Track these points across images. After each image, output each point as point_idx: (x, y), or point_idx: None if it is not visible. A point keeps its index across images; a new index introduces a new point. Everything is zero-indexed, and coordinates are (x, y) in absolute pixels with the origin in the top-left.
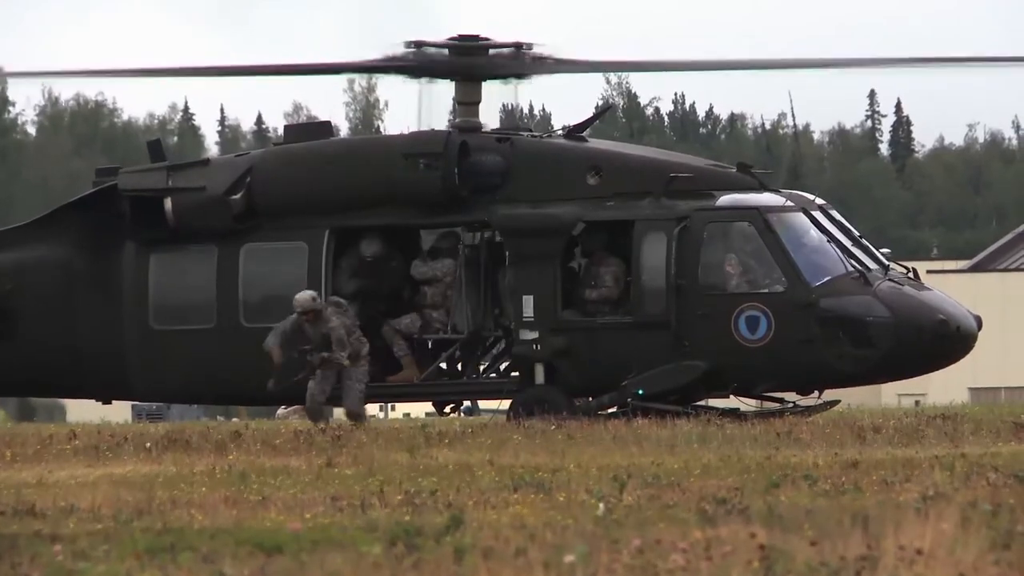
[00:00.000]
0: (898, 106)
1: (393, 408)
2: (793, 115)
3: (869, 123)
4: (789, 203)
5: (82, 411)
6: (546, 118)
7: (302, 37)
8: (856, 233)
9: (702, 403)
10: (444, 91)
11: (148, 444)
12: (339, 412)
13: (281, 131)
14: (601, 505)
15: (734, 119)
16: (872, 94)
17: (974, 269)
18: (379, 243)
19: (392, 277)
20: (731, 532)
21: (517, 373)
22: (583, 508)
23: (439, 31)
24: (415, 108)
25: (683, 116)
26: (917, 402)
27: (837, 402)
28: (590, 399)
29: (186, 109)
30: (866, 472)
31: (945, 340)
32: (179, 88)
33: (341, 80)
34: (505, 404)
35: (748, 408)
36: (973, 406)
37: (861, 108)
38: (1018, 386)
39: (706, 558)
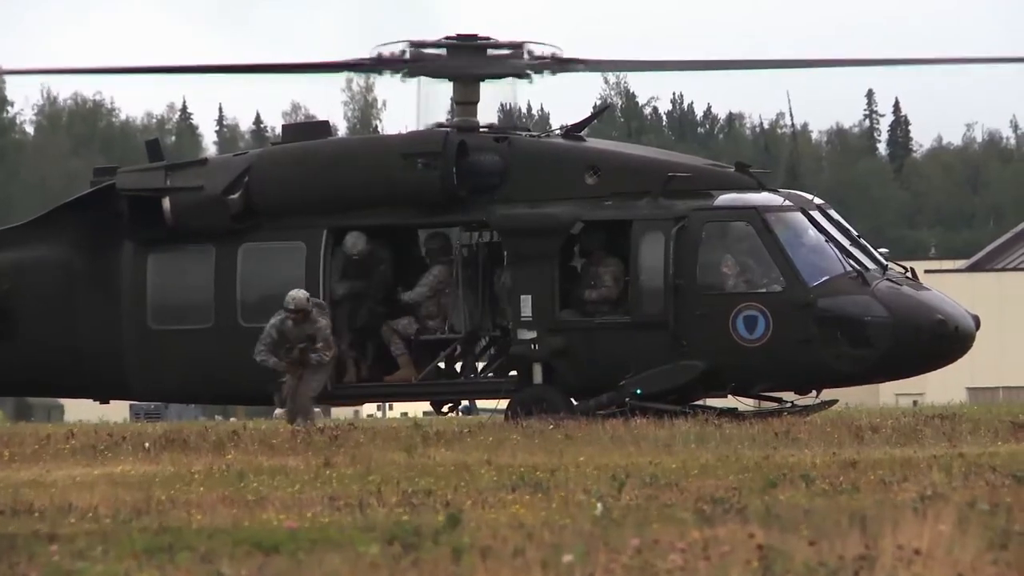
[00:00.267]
0: (896, 106)
1: (391, 408)
2: (791, 115)
3: (867, 123)
4: (787, 203)
5: (80, 411)
6: (544, 118)
7: (302, 37)
8: (854, 233)
9: (700, 403)
10: (442, 91)
11: (146, 444)
12: (336, 412)
13: (279, 131)
14: (599, 505)
15: (732, 119)
16: (870, 94)
17: (972, 269)
18: (367, 242)
19: (385, 278)
20: (729, 532)
21: (515, 373)
22: (581, 508)
23: (439, 31)
24: (413, 108)
25: (681, 116)
26: (915, 402)
27: (835, 402)
28: (589, 399)
29: (184, 109)
30: (864, 472)
31: (943, 340)
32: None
33: (339, 80)
34: (503, 403)
35: (746, 408)
36: (971, 406)
37: (859, 108)
38: (1016, 386)
39: (704, 558)
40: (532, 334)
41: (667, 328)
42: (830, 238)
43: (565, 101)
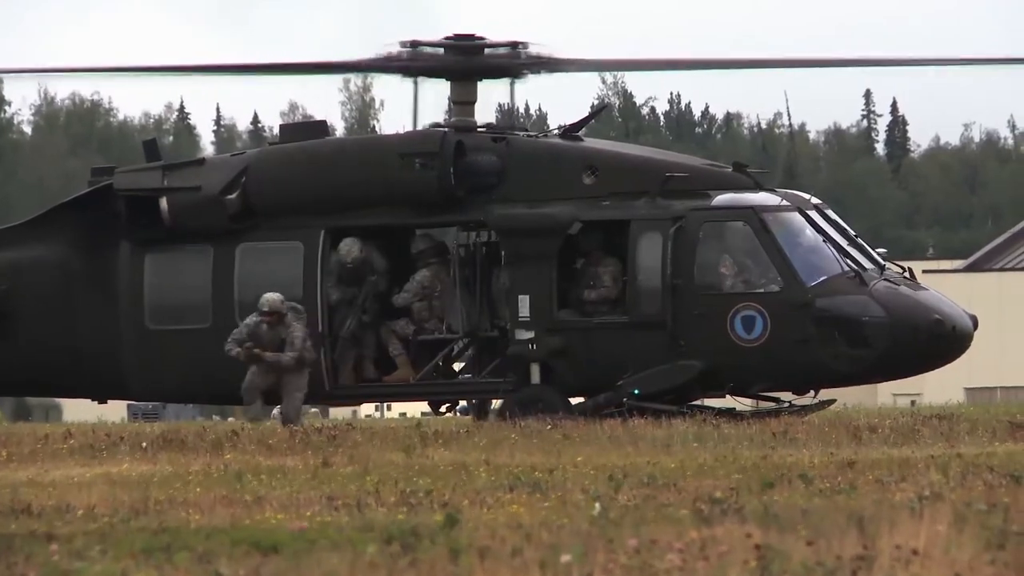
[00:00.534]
0: (894, 106)
1: (389, 408)
2: (789, 115)
3: (865, 123)
4: (785, 203)
5: (78, 410)
6: (542, 117)
7: (300, 37)
8: (852, 233)
9: (698, 403)
10: (440, 91)
11: (144, 444)
12: (334, 412)
13: (277, 130)
14: (597, 505)
15: (730, 119)
16: (868, 94)
17: (970, 269)
18: (361, 249)
19: (376, 289)
20: (727, 532)
21: (513, 373)
22: (579, 508)
23: (438, 31)
24: (411, 107)
25: (679, 116)
26: (913, 402)
27: (833, 402)
28: (589, 401)
29: (182, 108)
30: (862, 472)
31: (941, 340)
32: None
33: (337, 80)
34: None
35: (744, 408)
36: (969, 406)
37: (857, 108)
38: (1014, 386)
39: (702, 558)
40: (530, 334)
41: (665, 328)
42: (828, 238)
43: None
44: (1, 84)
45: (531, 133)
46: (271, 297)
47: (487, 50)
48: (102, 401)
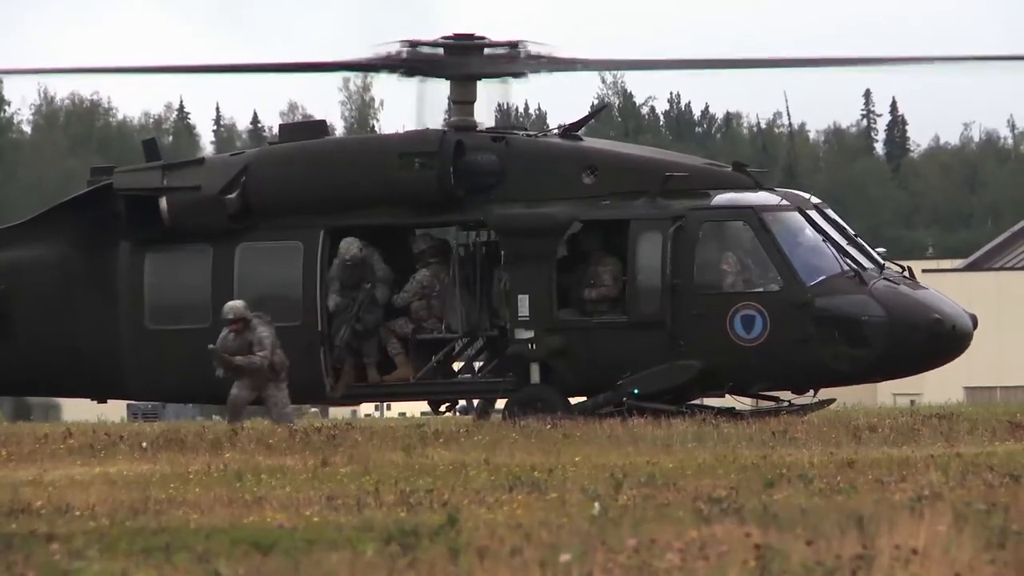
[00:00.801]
0: (893, 105)
1: (389, 408)
2: (789, 114)
3: (864, 122)
4: (785, 202)
5: (78, 410)
6: (541, 117)
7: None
8: (852, 232)
9: (698, 402)
10: (439, 90)
11: (144, 443)
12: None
13: (276, 130)
14: (597, 504)
15: (730, 118)
16: (867, 93)
17: (969, 268)
18: (360, 248)
19: (371, 297)
20: (727, 531)
21: (513, 372)
22: (579, 507)
23: (438, 31)
24: (410, 107)
25: (679, 115)
26: (912, 401)
27: (832, 401)
28: (589, 401)
29: (181, 108)
30: (861, 471)
31: (941, 339)
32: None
33: (336, 79)
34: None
35: (744, 407)
36: (968, 405)
37: (857, 107)
38: (1013, 385)
39: (702, 558)
40: (530, 334)
41: (664, 328)
42: (827, 237)
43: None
44: (1, 84)
45: (530, 133)
46: (234, 304)
47: (486, 50)
48: (102, 401)
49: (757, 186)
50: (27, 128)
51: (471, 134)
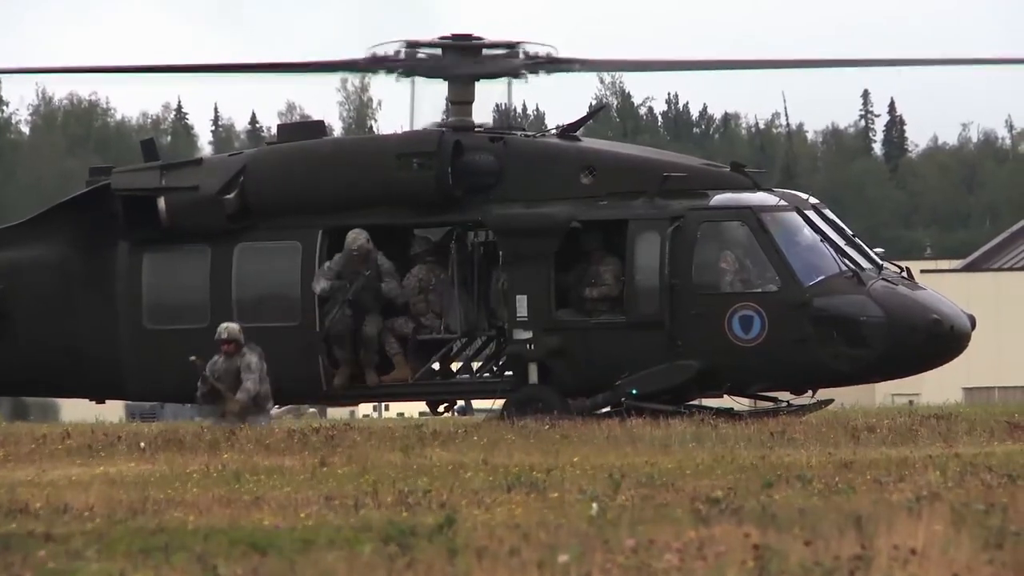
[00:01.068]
0: (891, 106)
1: (387, 408)
2: (787, 115)
3: (863, 123)
4: (783, 202)
5: (76, 411)
6: (540, 117)
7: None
8: (850, 232)
9: (696, 403)
10: (437, 91)
11: (142, 444)
12: (331, 412)
13: (274, 130)
14: (595, 505)
15: (728, 119)
16: (866, 94)
17: (968, 269)
18: (367, 239)
19: (370, 284)
20: (725, 532)
21: (511, 372)
22: (577, 508)
23: (437, 32)
24: (408, 108)
25: (677, 116)
26: (911, 402)
27: (831, 401)
28: (585, 399)
29: (179, 108)
30: (860, 472)
31: (939, 339)
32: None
33: (335, 80)
34: (499, 403)
35: (742, 408)
36: (967, 406)
37: (855, 108)
38: (1012, 386)
39: (700, 558)
40: (528, 334)
41: (663, 328)
42: (826, 238)
43: (560, 101)
44: None
45: (529, 133)
46: (230, 326)
47: (485, 50)
48: (100, 401)
49: (755, 186)
50: (25, 128)
51: (469, 134)
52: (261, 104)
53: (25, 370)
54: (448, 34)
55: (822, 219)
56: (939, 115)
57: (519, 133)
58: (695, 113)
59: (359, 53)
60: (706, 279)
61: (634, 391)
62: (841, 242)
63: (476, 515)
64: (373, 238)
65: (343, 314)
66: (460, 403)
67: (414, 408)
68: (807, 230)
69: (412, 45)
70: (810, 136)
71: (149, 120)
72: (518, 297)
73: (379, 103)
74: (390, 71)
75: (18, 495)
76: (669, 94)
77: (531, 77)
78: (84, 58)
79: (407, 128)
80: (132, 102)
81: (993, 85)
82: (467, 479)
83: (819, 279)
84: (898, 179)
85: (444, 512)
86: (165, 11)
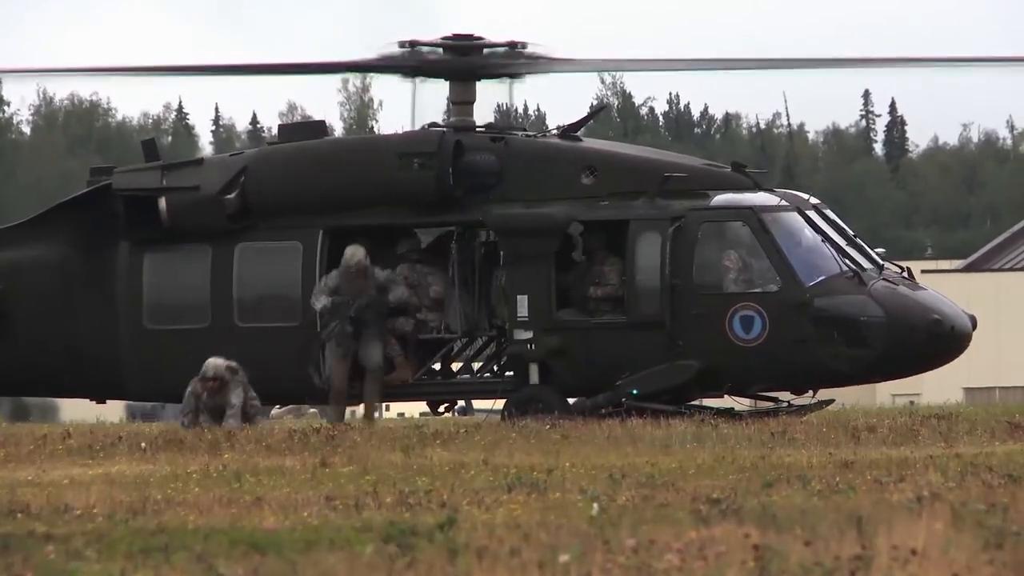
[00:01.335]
0: (892, 106)
1: (387, 408)
2: (788, 115)
3: (863, 123)
4: (784, 203)
5: (76, 411)
6: (541, 118)
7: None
8: (851, 233)
9: (696, 403)
10: (438, 91)
11: (142, 444)
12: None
13: (275, 130)
14: (595, 505)
15: (729, 119)
16: (866, 94)
17: (968, 269)
18: (365, 255)
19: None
20: (725, 532)
21: (512, 373)
22: (577, 508)
23: (437, 31)
24: (409, 108)
25: (678, 116)
26: (911, 402)
27: (831, 402)
28: (586, 399)
29: (180, 109)
30: (860, 472)
31: (940, 340)
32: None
33: (335, 80)
34: (499, 403)
35: (743, 408)
36: (967, 406)
37: (855, 108)
38: (1012, 386)
39: (700, 558)
40: (528, 334)
41: (663, 328)
42: (826, 238)
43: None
44: (0, 84)
45: (530, 133)
46: (216, 363)
47: (486, 50)
48: (100, 401)
49: (756, 186)
50: (26, 129)
51: (470, 134)
52: (262, 104)
53: (25, 370)
54: (449, 34)
55: (823, 219)
56: (940, 115)
57: (520, 133)
58: (696, 113)
59: (360, 53)
60: (707, 279)
61: (635, 391)
62: (842, 242)
63: (477, 515)
64: (373, 239)
65: (343, 329)
66: (460, 403)
67: (414, 408)
68: (808, 230)
69: (413, 45)
70: (811, 136)
71: (150, 120)
72: (519, 297)
73: (380, 103)
74: (391, 71)
75: (18, 495)
76: (670, 94)
77: (532, 77)
78: (84, 58)
79: (408, 128)
80: (133, 102)
81: (994, 85)
82: (468, 479)
83: (820, 279)
84: (899, 179)
85: (445, 512)
86: (165, 11)
